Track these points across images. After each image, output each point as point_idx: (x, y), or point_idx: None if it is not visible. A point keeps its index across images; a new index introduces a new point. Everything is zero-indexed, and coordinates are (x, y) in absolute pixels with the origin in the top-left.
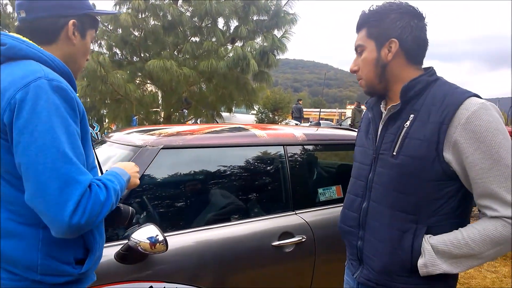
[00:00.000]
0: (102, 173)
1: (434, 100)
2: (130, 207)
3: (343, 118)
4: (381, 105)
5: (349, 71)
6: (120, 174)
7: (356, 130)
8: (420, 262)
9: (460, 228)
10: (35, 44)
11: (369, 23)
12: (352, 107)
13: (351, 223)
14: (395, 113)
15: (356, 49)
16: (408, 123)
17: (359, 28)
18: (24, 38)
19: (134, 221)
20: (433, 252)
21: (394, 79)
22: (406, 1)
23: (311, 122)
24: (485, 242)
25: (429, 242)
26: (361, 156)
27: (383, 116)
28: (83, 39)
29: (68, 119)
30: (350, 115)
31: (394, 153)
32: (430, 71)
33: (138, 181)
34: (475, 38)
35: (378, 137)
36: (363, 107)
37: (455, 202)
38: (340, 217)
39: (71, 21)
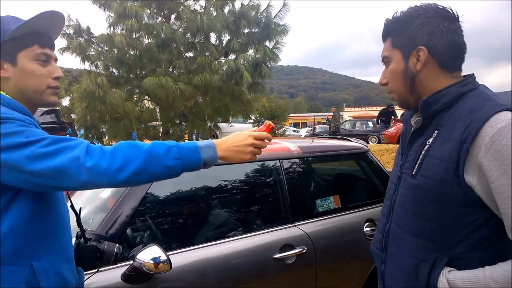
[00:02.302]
0: (79, 218)
1: (461, 114)
2: (116, 245)
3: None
4: (412, 119)
5: (378, 83)
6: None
7: (349, 139)
8: None
9: (486, 266)
10: None
11: (393, 32)
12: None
13: (377, 245)
14: (420, 128)
15: (383, 60)
16: (430, 140)
17: (384, 38)
18: None
19: (138, 240)
20: (448, 286)
21: (427, 90)
22: (435, 1)
23: (309, 126)
24: (508, 285)
25: (446, 276)
26: (392, 175)
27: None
28: (15, 65)
29: (15, 138)
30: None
31: (413, 173)
32: (465, 80)
33: (245, 157)
34: (474, 30)
35: (404, 153)
36: (342, 113)
37: (484, 232)
38: (374, 238)
39: None
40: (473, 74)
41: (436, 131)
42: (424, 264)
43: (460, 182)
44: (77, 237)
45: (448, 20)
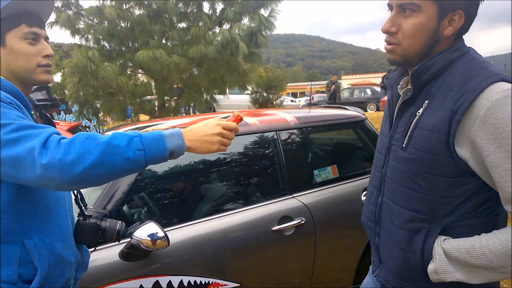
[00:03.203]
0: (79, 196)
1: (453, 82)
2: (119, 222)
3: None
4: (399, 86)
5: (381, 30)
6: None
7: (345, 107)
8: (431, 267)
9: (482, 234)
10: None
11: None
12: (332, 79)
13: (369, 217)
14: (410, 98)
15: (402, 6)
16: (421, 110)
17: None
18: None
19: (135, 217)
20: (445, 257)
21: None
22: None
23: (306, 96)
24: (506, 256)
25: (441, 245)
26: (379, 144)
27: (399, 99)
28: (4, 46)
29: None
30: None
31: (403, 145)
32: (455, 45)
33: (212, 147)
34: None
35: (393, 124)
36: (340, 81)
37: (477, 200)
38: (363, 209)
39: None
40: (461, 38)
41: (426, 101)
42: (417, 236)
43: (451, 155)
44: (78, 214)
45: None
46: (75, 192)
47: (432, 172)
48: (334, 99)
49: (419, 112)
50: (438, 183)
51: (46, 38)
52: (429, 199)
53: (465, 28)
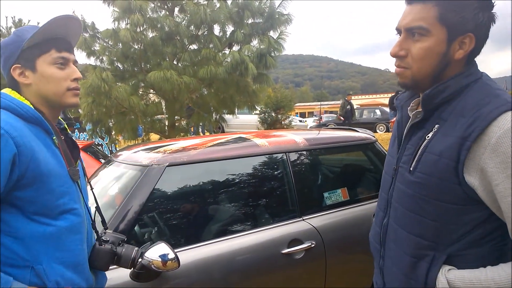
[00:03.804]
0: (99, 210)
1: (464, 108)
2: (135, 248)
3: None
4: (409, 107)
5: (390, 54)
6: None
7: (356, 129)
8: None
9: (488, 266)
10: (13, 94)
11: (445, 3)
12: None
13: (375, 239)
14: (419, 121)
15: (410, 30)
16: (430, 134)
17: (423, 0)
18: (4, 91)
19: (146, 237)
20: (448, 286)
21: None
22: None
23: (315, 116)
24: None
25: (445, 275)
26: (386, 165)
27: (409, 121)
28: (35, 72)
29: None
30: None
31: (411, 169)
32: (468, 69)
33: None
34: None
35: (401, 146)
36: (352, 101)
37: (484, 230)
38: (371, 230)
39: (11, 69)
40: (474, 62)
41: (436, 125)
42: (421, 263)
43: (460, 181)
44: (96, 239)
45: (489, 9)
46: (92, 217)
47: (439, 198)
48: (349, 118)
49: (428, 136)
50: (445, 210)
51: (75, 62)
52: (434, 225)
53: (476, 50)
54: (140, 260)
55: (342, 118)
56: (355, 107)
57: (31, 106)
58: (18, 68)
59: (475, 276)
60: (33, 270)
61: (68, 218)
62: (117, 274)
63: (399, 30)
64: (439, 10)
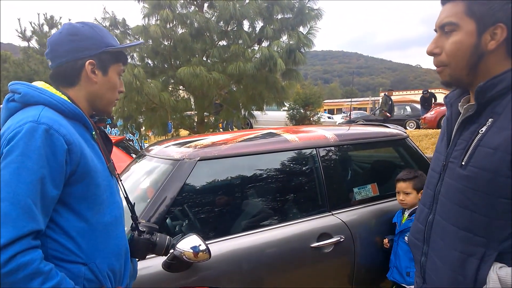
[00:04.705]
0: (132, 211)
1: None
2: (168, 237)
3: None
4: (459, 103)
5: (426, 52)
6: None
7: (386, 125)
8: None
9: None
10: (48, 88)
11: None
12: (383, 94)
13: (417, 236)
14: (472, 115)
15: (442, 27)
16: (484, 128)
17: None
18: (39, 85)
19: (177, 229)
20: (499, 284)
21: (486, 74)
22: None
23: (343, 113)
24: None
25: (497, 272)
26: (434, 162)
27: (460, 117)
28: (105, 75)
29: (37, 165)
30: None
31: (463, 163)
32: None
33: None
34: None
35: (451, 141)
36: (392, 97)
37: None
38: (411, 228)
39: (87, 62)
40: None
41: (490, 119)
42: (471, 259)
43: None
44: (132, 229)
45: None
46: (130, 206)
47: (491, 192)
48: (391, 113)
49: (482, 130)
50: (496, 204)
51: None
52: (485, 220)
53: None
54: (172, 251)
55: (388, 114)
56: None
57: (69, 101)
58: (91, 64)
59: None
60: (86, 266)
61: (112, 211)
62: (150, 264)
63: (436, 30)
64: (466, 4)
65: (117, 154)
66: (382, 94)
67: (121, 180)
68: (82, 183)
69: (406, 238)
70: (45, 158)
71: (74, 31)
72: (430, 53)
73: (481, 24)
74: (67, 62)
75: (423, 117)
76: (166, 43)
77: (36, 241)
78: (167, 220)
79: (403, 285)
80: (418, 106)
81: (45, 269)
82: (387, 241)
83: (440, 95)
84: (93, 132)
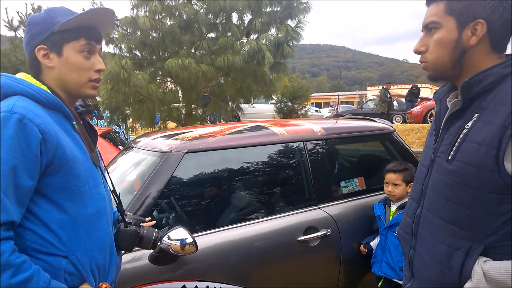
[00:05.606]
0: (119, 202)
1: (505, 97)
2: (155, 230)
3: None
4: (447, 99)
5: (413, 51)
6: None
7: (373, 119)
8: (467, 286)
9: None
10: (29, 79)
11: None
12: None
13: (406, 229)
14: (458, 110)
15: (426, 26)
16: (470, 123)
17: (431, 0)
18: (19, 76)
19: (163, 222)
20: (484, 278)
21: (471, 69)
22: None
23: (331, 106)
24: None
25: (481, 266)
26: (423, 157)
27: (447, 112)
28: (61, 56)
29: (9, 155)
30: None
31: (449, 158)
32: (508, 60)
33: None
34: None
35: (439, 136)
36: (364, 92)
37: None
38: (401, 222)
39: (36, 48)
40: None
41: (476, 114)
42: (457, 252)
43: (499, 170)
44: (118, 221)
45: None
46: (117, 199)
47: (476, 186)
48: (389, 108)
49: (468, 125)
50: (482, 199)
51: (100, 51)
52: (471, 214)
53: (500, 38)
54: (159, 243)
55: (389, 103)
56: (370, 98)
57: (48, 91)
58: (43, 49)
59: None
60: (67, 259)
61: (95, 203)
62: (136, 257)
63: (422, 30)
64: (446, 3)
65: (104, 146)
66: (380, 87)
67: (108, 172)
68: (60, 173)
69: (396, 232)
70: (19, 147)
71: (29, 20)
72: (416, 51)
73: (461, 21)
74: (30, 53)
75: (409, 111)
76: (154, 35)
77: (8, 233)
78: (154, 213)
79: (395, 280)
80: (404, 100)
81: (15, 261)
82: (363, 247)
83: (426, 90)
84: (74, 122)
